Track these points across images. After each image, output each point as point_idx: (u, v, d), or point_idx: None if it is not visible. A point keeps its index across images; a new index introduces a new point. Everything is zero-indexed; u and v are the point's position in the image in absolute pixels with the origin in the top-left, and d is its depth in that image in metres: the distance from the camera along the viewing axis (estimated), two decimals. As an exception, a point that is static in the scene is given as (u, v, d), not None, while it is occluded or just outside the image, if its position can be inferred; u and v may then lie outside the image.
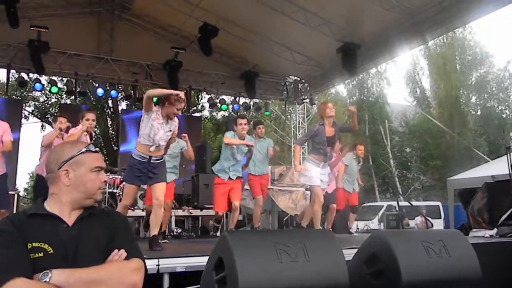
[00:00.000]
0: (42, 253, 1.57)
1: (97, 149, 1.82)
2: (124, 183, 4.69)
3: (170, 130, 4.37)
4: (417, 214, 12.99)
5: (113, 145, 20.28)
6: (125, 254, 1.65)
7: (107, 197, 7.71)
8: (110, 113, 21.36)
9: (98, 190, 1.74)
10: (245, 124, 5.70)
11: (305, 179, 5.77)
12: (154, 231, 4.27)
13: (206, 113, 22.89)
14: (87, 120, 5.28)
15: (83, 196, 1.73)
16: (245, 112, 11.71)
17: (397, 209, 11.39)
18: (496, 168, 7.34)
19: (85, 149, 1.77)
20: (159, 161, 4.37)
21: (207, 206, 8.12)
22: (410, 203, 13.23)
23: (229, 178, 5.70)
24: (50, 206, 1.71)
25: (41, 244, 1.58)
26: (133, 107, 17.92)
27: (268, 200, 9.00)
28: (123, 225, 1.80)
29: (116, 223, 1.77)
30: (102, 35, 10.32)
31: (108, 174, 7.83)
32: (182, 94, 4.20)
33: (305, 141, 6.75)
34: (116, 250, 1.65)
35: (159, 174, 4.34)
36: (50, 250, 1.58)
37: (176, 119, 4.43)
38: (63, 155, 1.75)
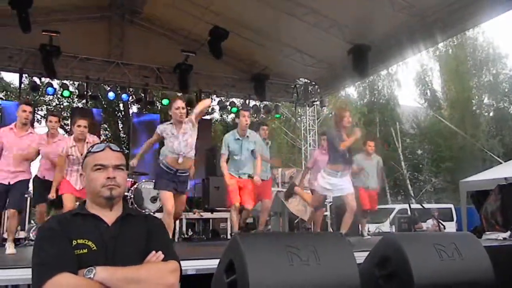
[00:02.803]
0: (86, 249, 1.66)
1: (102, 147, 1.86)
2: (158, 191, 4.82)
3: (186, 133, 4.64)
4: (429, 216, 12.87)
5: (124, 148, 20.44)
6: (162, 256, 1.73)
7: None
8: (121, 116, 21.52)
9: (102, 187, 1.78)
10: (248, 116, 5.59)
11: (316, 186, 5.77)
12: None
13: (216, 115, 22.95)
14: (78, 126, 4.98)
15: (92, 195, 1.81)
16: (262, 115, 11.72)
17: (409, 211, 11.31)
18: (510, 170, 7.26)
19: (86, 151, 1.90)
20: (185, 174, 4.71)
21: (217, 208, 8.14)
22: (422, 206, 13.12)
23: (239, 176, 5.58)
24: (89, 207, 1.82)
25: (85, 241, 1.67)
26: (144, 110, 18.09)
27: (279, 203, 9.00)
28: (160, 228, 1.89)
29: (153, 226, 1.86)
30: (113, 39, 10.40)
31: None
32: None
33: (333, 151, 5.75)
34: (153, 252, 1.73)
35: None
36: (93, 247, 1.67)
37: (189, 122, 4.65)
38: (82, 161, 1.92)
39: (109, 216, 1.79)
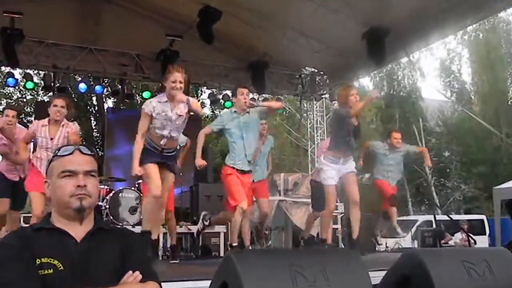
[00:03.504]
0: (51, 269, 1.66)
1: (71, 151, 1.86)
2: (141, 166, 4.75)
3: (180, 115, 4.71)
4: (457, 229, 12.90)
5: (97, 149, 20.43)
6: (140, 276, 1.74)
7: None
8: (94, 112, 21.53)
9: (71, 197, 1.79)
10: (247, 94, 5.51)
11: (322, 175, 5.84)
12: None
13: (206, 111, 22.98)
14: (55, 106, 5.16)
15: (58, 206, 1.82)
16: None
17: (434, 224, 11.35)
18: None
19: (53, 155, 1.89)
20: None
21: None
22: (449, 217, 13.16)
23: (242, 171, 5.46)
24: (55, 220, 1.83)
25: (50, 260, 1.68)
26: (121, 105, 18.11)
27: (281, 215, 9.02)
28: (138, 244, 1.90)
29: (130, 241, 1.86)
30: (86, 21, 10.37)
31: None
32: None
33: (336, 133, 6.04)
34: (130, 272, 1.74)
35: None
36: (60, 267, 1.68)
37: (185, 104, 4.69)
38: (47, 167, 1.91)
39: (78, 231, 1.79)
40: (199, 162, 5.44)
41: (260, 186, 6.33)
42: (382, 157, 7.35)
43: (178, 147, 5.02)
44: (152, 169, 4.61)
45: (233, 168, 5.38)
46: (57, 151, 1.89)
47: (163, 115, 4.60)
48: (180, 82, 4.55)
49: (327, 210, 5.90)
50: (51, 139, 5.17)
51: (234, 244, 5.40)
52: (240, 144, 5.40)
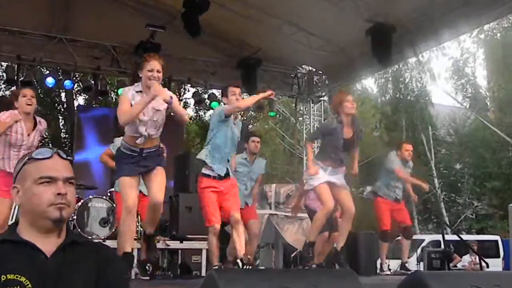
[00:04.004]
0: (18, 287, 1.65)
1: (49, 154, 1.86)
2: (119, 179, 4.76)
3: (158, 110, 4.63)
4: (468, 251, 12.97)
5: (66, 152, 20.33)
6: None
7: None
8: (62, 110, 21.44)
9: (49, 206, 1.78)
10: (239, 94, 5.52)
11: (310, 182, 5.85)
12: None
13: (190, 111, 22.98)
14: (24, 96, 5.19)
15: (33, 216, 1.80)
16: (252, 113, 11.72)
17: (442, 244, 11.38)
18: None
19: (27, 158, 1.86)
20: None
21: (189, 236, 8.11)
22: (460, 237, 13.22)
23: (221, 177, 5.41)
24: (22, 231, 1.81)
25: (17, 277, 1.67)
26: (93, 102, 18.05)
27: (271, 230, 9.01)
28: (114, 260, 1.91)
29: (106, 258, 1.87)
30: (55, 8, 10.35)
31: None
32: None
33: (317, 138, 6.68)
34: None
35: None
36: (28, 284, 1.67)
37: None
38: (15, 170, 1.89)
39: (48, 245, 1.78)
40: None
41: (247, 211, 6.27)
42: (391, 172, 7.35)
43: (161, 147, 4.91)
44: (128, 183, 4.60)
45: (209, 177, 5.32)
46: (31, 154, 1.87)
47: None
48: (158, 72, 4.54)
49: (323, 209, 5.81)
50: (28, 135, 5.20)
51: (215, 266, 5.37)
52: (223, 148, 5.38)
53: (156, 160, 4.72)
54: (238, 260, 5.41)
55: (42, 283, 1.69)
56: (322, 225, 6.09)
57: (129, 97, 4.54)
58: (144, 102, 4.44)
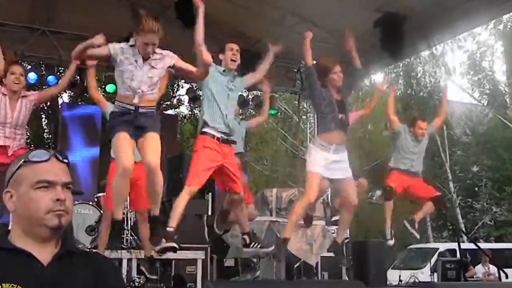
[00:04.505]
0: None
1: (46, 157, 1.86)
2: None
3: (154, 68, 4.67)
4: (486, 260, 12.98)
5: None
6: None
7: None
8: (45, 108, 21.42)
9: (48, 213, 1.78)
10: (237, 50, 5.72)
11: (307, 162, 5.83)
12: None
13: (184, 109, 23.03)
14: (13, 74, 5.33)
15: (29, 223, 1.81)
16: (251, 111, 11.70)
17: (458, 253, 11.38)
18: None
19: (22, 160, 1.86)
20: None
21: (183, 245, 8.11)
22: (477, 245, 13.23)
23: (221, 139, 5.40)
24: (14, 239, 1.82)
25: (12, 286, 1.68)
26: (79, 100, 18.03)
27: (272, 239, 9.00)
28: (112, 271, 1.95)
29: (104, 268, 1.90)
30: (38, -3, 10.38)
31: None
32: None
33: (321, 115, 6.00)
34: None
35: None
36: None
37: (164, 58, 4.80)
38: (8, 173, 1.88)
39: (44, 253, 1.80)
40: None
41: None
42: (405, 142, 7.46)
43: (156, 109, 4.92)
44: (123, 139, 4.55)
45: (213, 137, 5.28)
46: (27, 156, 1.86)
47: (132, 60, 4.60)
48: (154, 45, 4.62)
49: (303, 200, 5.76)
50: (12, 111, 5.30)
51: (170, 228, 5.24)
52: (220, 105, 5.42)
53: (151, 123, 4.69)
54: (245, 236, 5.70)
55: None
56: (300, 218, 6.14)
57: (110, 48, 4.63)
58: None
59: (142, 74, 4.59)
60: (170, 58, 4.77)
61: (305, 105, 13.13)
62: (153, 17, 4.61)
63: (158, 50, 4.73)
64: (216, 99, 5.40)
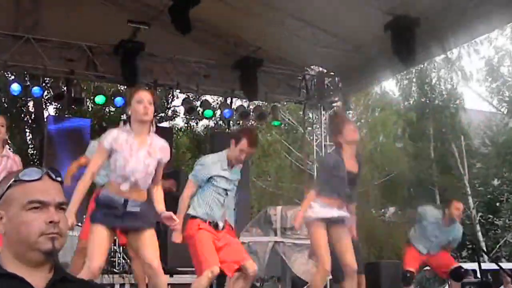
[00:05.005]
0: None
1: (38, 175, 1.85)
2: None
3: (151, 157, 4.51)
4: (508, 282, 12.93)
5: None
6: None
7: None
8: (30, 121, 21.46)
9: (40, 236, 1.78)
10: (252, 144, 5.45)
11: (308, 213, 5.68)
12: None
13: (179, 122, 23.03)
14: None
15: (21, 247, 1.80)
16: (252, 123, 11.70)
17: (478, 274, 11.34)
18: None
19: (12, 180, 1.84)
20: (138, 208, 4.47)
21: (180, 269, 8.10)
22: (499, 266, 13.17)
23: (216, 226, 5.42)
24: (5, 263, 1.81)
25: None
26: (66, 112, 18.03)
27: (277, 261, 8.99)
28: None
29: None
30: (22, 3, 10.41)
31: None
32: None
33: (327, 180, 5.84)
34: None
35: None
36: None
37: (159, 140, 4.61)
38: None
39: (38, 279, 1.79)
40: None
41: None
42: (432, 226, 7.41)
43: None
44: (99, 232, 4.38)
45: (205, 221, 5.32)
46: (17, 175, 1.86)
47: (127, 147, 4.39)
48: (150, 104, 4.40)
49: (319, 272, 5.81)
50: None
51: None
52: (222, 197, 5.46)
53: (144, 219, 4.55)
54: None
55: None
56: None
57: (106, 146, 4.38)
58: (75, 202, 4.24)
59: (138, 160, 4.43)
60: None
61: (310, 116, 13.12)
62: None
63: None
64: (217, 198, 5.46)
